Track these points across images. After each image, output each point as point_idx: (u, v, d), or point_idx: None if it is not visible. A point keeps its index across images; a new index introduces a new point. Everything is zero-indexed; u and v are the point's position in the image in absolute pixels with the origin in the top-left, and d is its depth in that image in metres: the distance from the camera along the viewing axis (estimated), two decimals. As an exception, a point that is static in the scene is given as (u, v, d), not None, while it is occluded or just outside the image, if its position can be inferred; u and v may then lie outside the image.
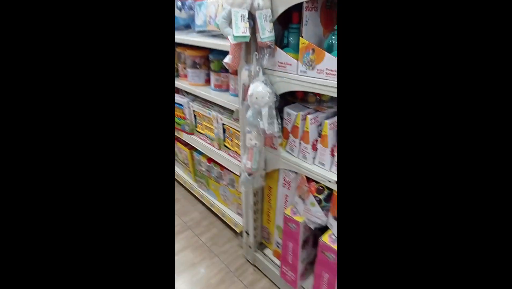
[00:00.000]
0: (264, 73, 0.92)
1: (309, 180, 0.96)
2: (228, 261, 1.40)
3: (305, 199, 0.98)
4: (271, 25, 0.82)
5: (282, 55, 0.86)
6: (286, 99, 1.03)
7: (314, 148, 0.92)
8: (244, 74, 0.91)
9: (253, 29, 0.84)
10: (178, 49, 1.48)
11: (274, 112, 0.91)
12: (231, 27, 0.81)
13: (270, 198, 1.19)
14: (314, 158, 0.93)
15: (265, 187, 1.19)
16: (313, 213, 0.97)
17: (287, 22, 0.90)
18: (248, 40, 0.81)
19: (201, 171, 1.65)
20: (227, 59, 0.90)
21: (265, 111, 0.89)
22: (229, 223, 1.54)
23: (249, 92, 0.88)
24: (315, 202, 0.95)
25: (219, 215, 1.61)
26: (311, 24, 0.81)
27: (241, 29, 0.79)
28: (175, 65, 1.56)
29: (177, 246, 1.48)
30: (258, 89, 0.87)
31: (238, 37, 0.80)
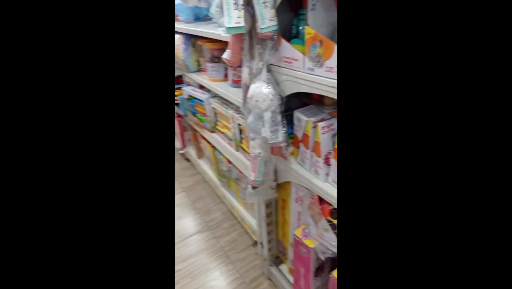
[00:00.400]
0: (269, 71, 0.77)
1: (322, 200, 0.79)
2: (244, 271, 1.31)
3: (317, 222, 0.82)
4: (273, 12, 0.66)
5: (288, 48, 0.69)
6: (301, 100, 0.87)
7: (328, 162, 0.75)
8: (244, 72, 0.77)
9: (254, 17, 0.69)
10: (199, 42, 1.39)
11: (278, 117, 0.75)
12: (227, 17, 0.68)
13: (284, 211, 1.05)
14: (327, 175, 0.76)
15: (279, 198, 1.05)
16: (326, 239, 0.80)
17: (298, 7, 0.73)
18: (243, 31, 0.67)
19: (223, 171, 1.57)
20: (225, 55, 0.77)
21: (267, 116, 0.74)
22: (247, 230, 1.44)
23: (249, 94, 0.74)
24: (329, 227, 0.78)
25: (238, 219, 1.52)
26: (320, 8, 0.63)
27: (234, 18, 0.65)
28: (197, 59, 1.48)
29: (194, 247, 1.44)
30: (259, 90, 0.73)
31: (231, 29, 0.66)
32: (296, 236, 0.88)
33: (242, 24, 0.66)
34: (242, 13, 0.65)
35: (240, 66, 0.91)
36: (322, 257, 0.80)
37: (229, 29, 0.66)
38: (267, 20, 0.66)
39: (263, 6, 0.65)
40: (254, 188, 0.88)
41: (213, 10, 0.70)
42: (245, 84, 0.78)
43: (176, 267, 1.34)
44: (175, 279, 1.28)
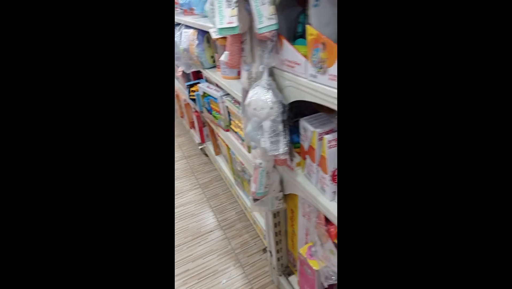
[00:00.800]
0: (271, 74, 0.68)
1: (329, 220, 0.71)
2: (253, 276, 1.26)
3: (323, 243, 0.74)
4: (272, 9, 0.57)
5: (289, 50, 0.60)
6: (311, 105, 0.77)
7: (335, 179, 0.66)
8: (243, 76, 0.70)
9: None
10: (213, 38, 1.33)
11: (280, 127, 0.67)
12: (222, 15, 0.60)
13: (293, 222, 0.98)
14: (334, 193, 0.67)
15: (287, 209, 0.97)
16: (332, 263, 0.72)
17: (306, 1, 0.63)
18: (237, 32, 0.59)
19: (237, 170, 1.52)
20: (223, 57, 0.70)
21: (266, 126, 0.67)
22: (259, 233, 1.39)
23: (246, 101, 0.67)
24: (335, 251, 0.70)
25: (251, 221, 1.47)
26: (326, 4, 0.53)
27: (227, 18, 0.58)
28: (212, 55, 1.42)
29: (205, 247, 1.43)
30: (257, 97, 0.65)
31: (223, 30, 0.59)
32: (300, 254, 0.81)
33: (235, 24, 0.58)
34: (235, 11, 0.57)
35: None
36: (325, 284, 0.72)
37: (221, 30, 0.59)
38: (265, 19, 0.58)
39: (260, 3, 0.56)
40: (255, 200, 0.82)
41: (207, 8, 0.63)
42: (244, 89, 0.71)
43: (185, 267, 1.33)
44: (183, 280, 1.28)
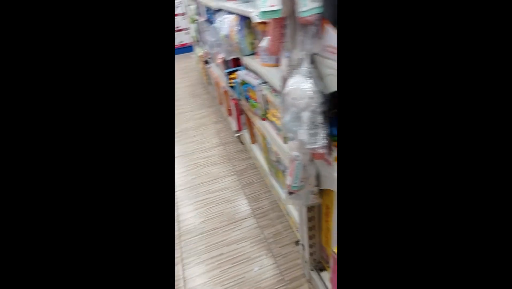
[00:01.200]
0: (313, 62, 0.64)
1: (367, 219, 0.66)
2: (285, 268, 1.26)
3: (359, 242, 0.70)
4: (317, -11, 0.53)
5: (332, 36, 0.55)
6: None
7: (377, 178, 0.61)
8: (283, 64, 0.66)
9: (296, -3, 0.57)
10: (253, 23, 1.30)
11: (319, 118, 0.63)
12: (263, -2, 0.57)
13: (328, 218, 0.94)
14: (375, 192, 0.62)
15: (322, 204, 0.93)
16: (368, 264, 0.68)
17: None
18: (279, 15, 0.56)
19: (272, 160, 1.51)
20: (264, 43, 0.67)
21: (305, 117, 0.63)
22: (292, 225, 1.37)
23: (285, 90, 0.64)
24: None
25: (284, 212, 1.45)
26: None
27: (269, 1, 0.55)
28: (252, 42, 1.39)
29: (239, 233, 1.45)
30: (296, 86, 0.61)
31: (265, 13, 0.56)
32: (334, 252, 0.77)
33: (278, 7, 0.55)
34: (277, -7, 0.54)
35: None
36: (360, 286, 0.68)
37: (263, 13, 0.56)
38: (308, 2, 0.53)
39: (305, -17, 0.52)
40: (290, 193, 0.80)
41: (249, -10, 0.60)
42: (284, 77, 0.68)
43: (220, 251, 1.37)
44: (218, 263, 1.31)
